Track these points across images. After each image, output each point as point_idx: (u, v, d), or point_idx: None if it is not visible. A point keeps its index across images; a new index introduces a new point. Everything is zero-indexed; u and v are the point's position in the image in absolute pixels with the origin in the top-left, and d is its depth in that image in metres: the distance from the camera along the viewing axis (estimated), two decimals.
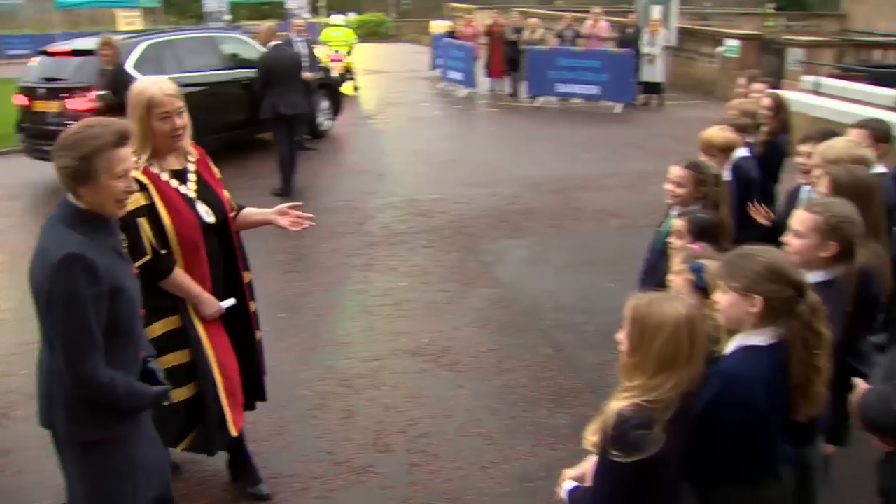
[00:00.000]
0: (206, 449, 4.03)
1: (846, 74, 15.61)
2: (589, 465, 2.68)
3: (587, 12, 20.55)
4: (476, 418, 5.05)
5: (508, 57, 19.09)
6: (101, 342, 2.76)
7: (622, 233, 8.61)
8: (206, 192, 3.80)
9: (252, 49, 12.46)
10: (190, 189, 3.72)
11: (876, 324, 3.63)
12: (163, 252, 3.56)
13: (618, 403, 2.43)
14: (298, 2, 29.56)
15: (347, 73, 18.74)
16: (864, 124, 4.94)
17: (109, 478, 2.95)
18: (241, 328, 4.03)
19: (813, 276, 2.87)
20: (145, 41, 11.24)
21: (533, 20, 19.50)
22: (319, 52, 15.38)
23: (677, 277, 3.07)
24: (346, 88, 17.47)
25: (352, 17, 30.47)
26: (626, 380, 2.49)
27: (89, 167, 2.67)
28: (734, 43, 19.85)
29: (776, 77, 17.26)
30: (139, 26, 27.52)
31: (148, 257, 3.51)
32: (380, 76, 23.40)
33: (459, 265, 7.83)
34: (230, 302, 3.87)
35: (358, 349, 5.95)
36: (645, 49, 17.66)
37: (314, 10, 36.29)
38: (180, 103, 3.62)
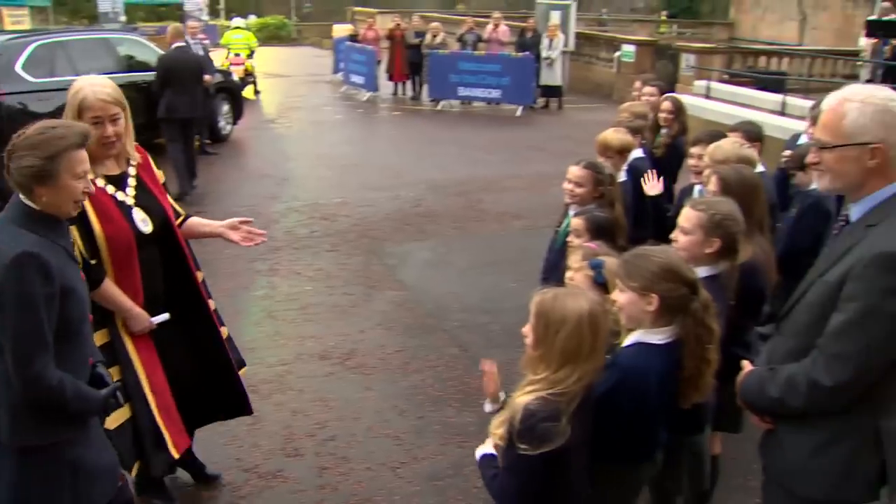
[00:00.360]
0: (147, 472, 3.81)
1: (734, 79, 16.28)
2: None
3: (488, 17, 20.83)
4: (384, 419, 5.08)
5: (410, 61, 19.18)
6: (52, 343, 2.70)
7: (524, 233, 8.77)
8: (146, 199, 3.64)
9: (150, 51, 12.17)
10: (128, 196, 3.56)
11: (762, 316, 3.82)
12: (92, 262, 3.41)
13: (524, 398, 2.50)
14: (197, 4, 28.91)
15: (248, 77, 18.52)
16: (737, 127, 5.29)
17: (47, 484, 2.84)
18: (204, 330, 3.93)
19: (699, 272, 3.01)
20: (35, 42, 10.80)
21: (434, 24, 19.63)
22: (217, 55, 15.13)
23: (577, 274, 3.17)
24: (247, 92, 17.27)
25: (252, 19, 30.04)
26: (531, 372, 2.57)
27: (53, 167, 2.66)
28: (630, 48, 20.45)
29: (670, 81, 17.86)
30: (27, 26, 26.45)
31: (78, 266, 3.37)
32: (281, 80, 23.14)
33: (364, 268, 7.84)
34: (163, 317, 3.68)
35: (264, 354, 5.90)
36: (544, 53, 18.01)
37: (213, 13, 35.61)
38: (116, 109, 3.45)
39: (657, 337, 2.73)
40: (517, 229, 9.23)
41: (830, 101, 2.49)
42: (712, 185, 3.78)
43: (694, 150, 4.78)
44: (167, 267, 3.77)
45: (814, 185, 4.37)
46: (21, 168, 2.66)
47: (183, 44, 11.09)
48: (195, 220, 3.98)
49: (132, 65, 11.84)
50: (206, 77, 12.16)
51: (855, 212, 2.51)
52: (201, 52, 12.69)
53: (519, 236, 8.80)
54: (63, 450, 2.86)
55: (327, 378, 5.59)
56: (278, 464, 4.58)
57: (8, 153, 2.69)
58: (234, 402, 4.17)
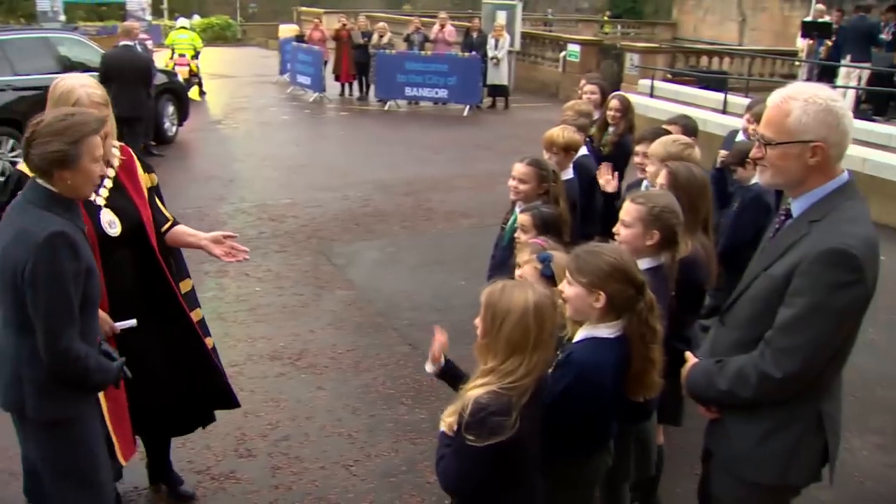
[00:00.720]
0: None
1: (677, 78, 16.58)
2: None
3: (434, 17, 20.89)
4: (337, 418, 5.09)
5: (357, 61, 19.14)
6: (78, 318, 2.87)
7: (473, 232, 8.84)
8: (120, 201, 3.56)
9: (92, 51, 12.00)
10: (100, 196, 3.48)
11: (701, 310, 3.92)
12: None
13: (475, 391, 2.54)
14: (139, 3, 28.50)
15: (193, 78, 18.31)
16: (674, 121, 5.45)
17: (79, 455, 3.07)
18: (182, 336, 3.85)
19: (642, 264, 3.08)
20: None
21: (381, 24, 19.63)
22: (162, 55, 14.91)
23: (526, 266, 3.22)
24: (192, 93, 17.08)
25: (196, 20, 29.62)
26: (481, 362, 2.62)
27: (76, 152, 2.80)
28: (576, 48, 20.69)
29: (615, 81, 18.12)
30: None
31: None
32: (227, 80, 22.91)
33: (313, 268, 7.83)
34: (128, 323, 3.51)
35: None
36: (490, 53, 18.14)
37: (157, 13, 35.05)
38: (107, 111, 3.44)
39: (608, 331, 2.78)
40: (465, 228, 9.30)
41: (775, 98, 2.56)
42: (662, 178, 3.87)
43: (639, 147, 4.87)
44: (141, 271, 3.69)
45: (754, 180, 4.51)
46: (45, 153, 2.79)
47: (130, 43, 10.96)
48: (180, 229, 3.92)
49: (73, 65, 11.63)
50: None
51: (796, 207, 2.59)
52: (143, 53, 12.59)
53: (467, 234, 8.87)
54: (82, 423, 3.09)
55: (278, 378, 5.58)
56: (231, 465, 4.56)
57: (27, 140, 2.82)
58: (221, 402, 4.18)
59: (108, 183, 3.55)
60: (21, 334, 2.92)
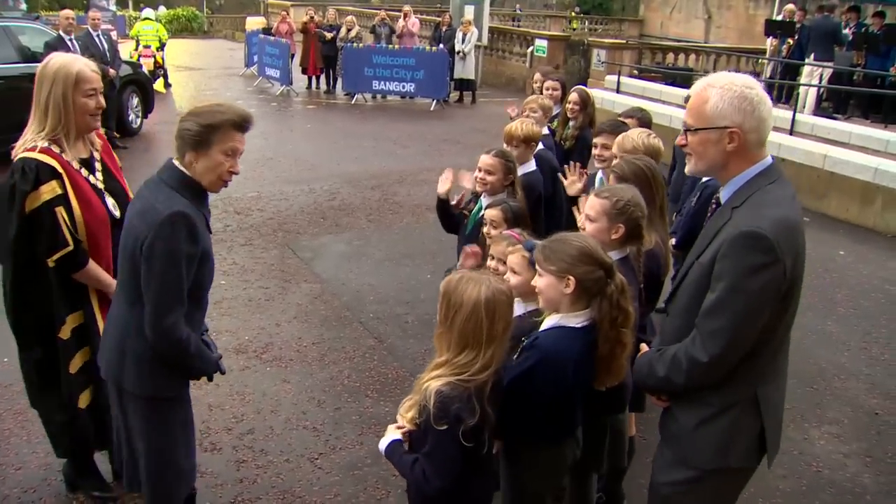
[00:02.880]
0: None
1: (644, 75, 16.71)
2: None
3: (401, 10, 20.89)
4: (302, 411, 5.09)
5: (324, 54, 19.07)
6: (186, 301, 2.94)
7: (440, 225, 8.74)
8: (112, 184, 3.69)
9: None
10: (98, 180, 3.60)
11: (658, 300, 3.97)
12: (80, 243, 3.49)
13: (434, 383, 2.56)
14: None
15: (158, 70, 18.12)
16: (630, 114, 5.54)
17: (171, 433, 3.18)
18: None
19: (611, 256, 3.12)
20: None
21: (349, 18, 19.56)
22: (126, 47, 14.71)
23: (513, 256, 3.23)
24: (157, 85, 16.90)
25: (162, 11, 29.34)
26: (438, 351, 2.66)
27: (208, 136, 2.91)
28: (543, 43, 20.76)
29: (582, 76, 18.22)
30: None
31: (70, 248, 3.44)
32: (193, 73, 22.70)
33: (279, 262, 7.81)
34: None
35: None
36: (457, 47, 18.16)
37: (122, 3, 34.64)
38: (101, 84, 3.59)
39: (575, 320, 2.80)
40: (432, 221, 9.21)
41: (697, 86, 2.65)
42: (611, 180, 3.92)
43: (597, 139, 4.91)
44: None
45: None
46: (181, 131, 2.93)
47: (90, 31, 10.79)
48: None
49: (34, 54, 11.45)
50: (110, 70, 11.95)
51: (724, 194, 2.67)
52: (105, 44, 12.44)
53: (434, 228, 8.78)
54: (177, 405, 3.21)
55: (243, 372, 5.56)
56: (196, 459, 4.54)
57: (182, 118, 2.97)
58: None
59: (99, 166, 3.65)
60: (132, 307, 2.99)
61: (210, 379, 3.33)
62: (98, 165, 3.64)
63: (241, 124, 3.01)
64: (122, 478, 3.50)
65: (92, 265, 3.54)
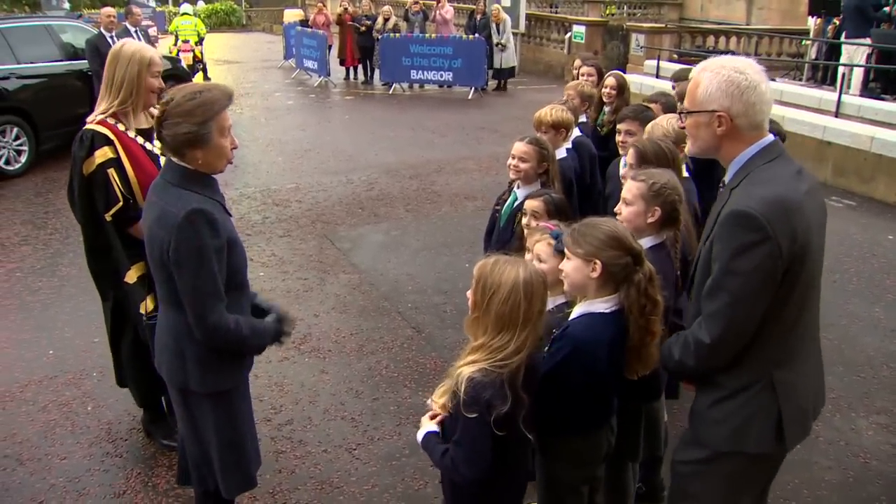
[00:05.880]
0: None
1: (683, 59, 16.45)
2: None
3: None
4: (340, 402, 5.09)
5: (361, 45, 19.09)
6: (223, 293, 2.94)
7: (478, 214, 8.79)
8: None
9: None
10: (156, 146, 4.00)
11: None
12: (130, 201, 3.92)
13: (466, 369, 2.54)
14: None
15: (197, 64, 18.29)
16: (655, 99, 5.42)
17: (237, 426, 3.23)
18: None
19: (645, 242, 3.06)
20: None
21: (385, 8, 19.56)
22: (166, 42, 14.82)
23: (539, 243, 3.20)
24: (196, 79, 17.04)
25: (201, 6, 29.58)
26: (472, 337, 2.63)
27: (206, 131, 2.88)
28: (581, 29, 20.54)
29: (621, 61, 18.02)
30: None
31: (120, 204, 3.91)
32: (232, 66, 22.88)
33: (317, 253, 7.82)
34: None
35: None
36: (495, 39, 18.07)
37: (161, 0, 35.03)
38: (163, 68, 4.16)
39: (603, 306, 2.76)
40: (470, 210, 9.26)
41: (695, 70, 2.68)
42: (630, 156, 3.86)
43: (621, 126, 4.83)
44: None
45: None
46: (176, 135, 2.86)
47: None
48: None
49: (76, 52, 11.64)
50: None
51: (727, 177, 2.67)
52: (143, 40, 12.54)
53: (472, 217, 8.84)
54: (239, 395, 3.25)
55: (282, 363, 5.59)
56: None
57: (158, 120, 2.92)
58: None
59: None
60: (177, 310, 3.00)
61: (281, 343, 3.36)
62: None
63: (229, 102, 3.00)
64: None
65: None
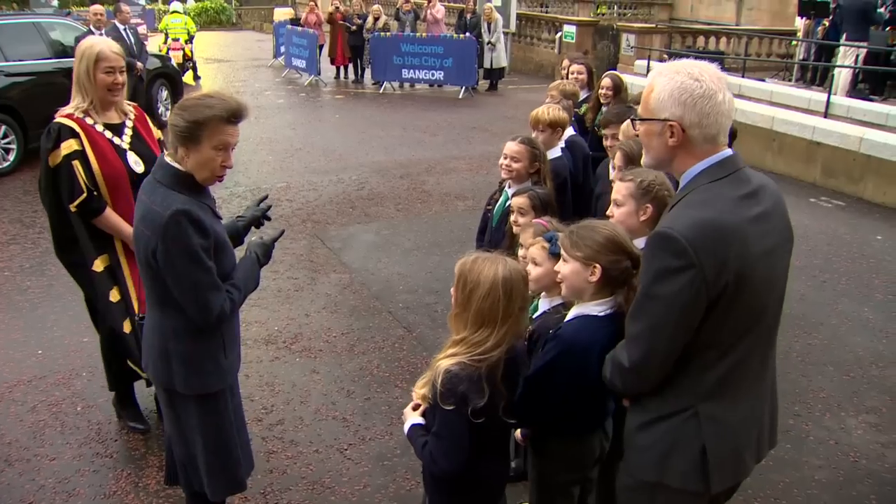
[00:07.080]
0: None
1: (673, 59, 16.46)
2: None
3: None
4: (331, 402, 5.08)
5: (352, 44, 19.07)
6: (220, 283, 2.97)
7: (468, 214, 8.79)
8: (140, 146, 4.20)
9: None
10: (124, 141, 4.14)
11: None
12: (94, 193, 4.00)
13: (445, 361, 2.56)
14: None
15: (187, 62, 18.24)
16: (638, 99, 5.35)
17: (226, 427, 3.24)
18: None
19: (639, 243, 3.05)
20: None
21: (375, 7, 19.53)
22: (156, 40, 14.76)
23: (533, 247, 3.19)
24: (186, 78, 17.02)
25: (191, 4, 29.47)
26: (454, 331, 2.64)
27: (197, 131, 2.86)
28: (571, 29, 20.57)
29: (611, 61, 18.04)
30: None
31: (84, 195, 3.97)
32: (222, 65, 22.81)
33: (308, 252, 7.81)
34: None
35: None
36: (486, 38, 18.07)
37: None
38: (122, 62, 4.12)
39: (598, 309, 2.75)
40: (461, 210, 9.26)
41: (651, 74, 2.46)
42: (617, 159, 3.86)
43: (605, 130, 4.86)
44: None
45: None
46: (171, 126, 2.91)
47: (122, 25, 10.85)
48: None
49: (65, 49, 11.56)
50: (138, 65, 12.03)
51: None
52: (132, 39, 12.52)
53: (463, 216, 8.83)
54: (226, 397, 3.23)
55: (273, 363, 5.57)
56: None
57: (171, 111, 3.00)
58: None
59: (129, 131, 4.21)
60: (163, 310, 3.01)
61: (266, 260, 3.43)
62: (128, 131, 4.20)
63: (231, 118, 2.90)
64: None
65: (109, 213, 4.07)
